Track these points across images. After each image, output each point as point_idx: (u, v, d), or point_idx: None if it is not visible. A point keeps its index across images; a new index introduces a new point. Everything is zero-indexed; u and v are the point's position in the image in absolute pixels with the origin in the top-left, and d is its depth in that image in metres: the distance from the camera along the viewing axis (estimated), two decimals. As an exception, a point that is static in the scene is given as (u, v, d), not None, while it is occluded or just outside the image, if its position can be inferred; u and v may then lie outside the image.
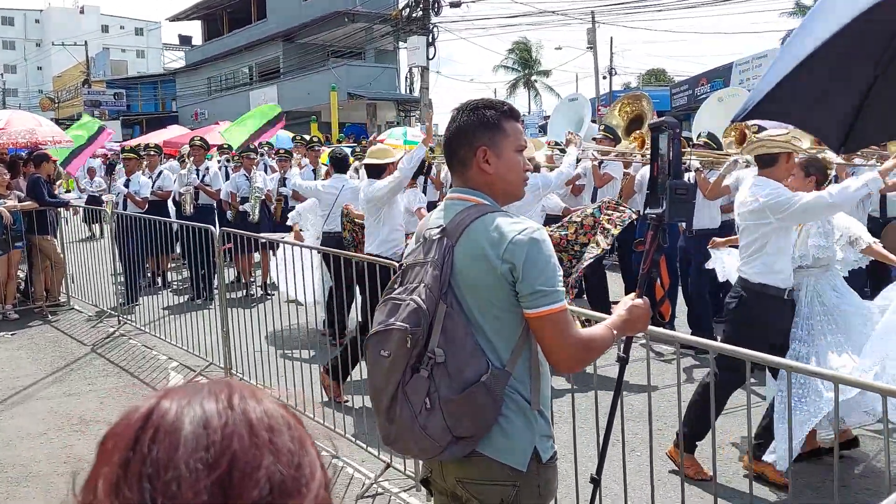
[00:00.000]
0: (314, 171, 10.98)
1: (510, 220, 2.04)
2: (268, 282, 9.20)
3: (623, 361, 2.69)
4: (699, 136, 7.42)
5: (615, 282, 8.18)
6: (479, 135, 2.12)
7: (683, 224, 6.34)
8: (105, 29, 73.62)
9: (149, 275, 9.89)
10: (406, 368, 2.02)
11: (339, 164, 7.52)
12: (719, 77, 23.30)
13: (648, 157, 7.97)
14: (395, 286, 2.15)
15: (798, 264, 4.34)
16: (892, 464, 2.69)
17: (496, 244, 2.00)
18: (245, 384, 0.72)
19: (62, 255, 9.22)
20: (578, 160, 8.07)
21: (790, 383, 2.70)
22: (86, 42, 47.30)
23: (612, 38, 72.13)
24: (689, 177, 6.23)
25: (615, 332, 2.17)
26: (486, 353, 2.03)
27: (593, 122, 11.20)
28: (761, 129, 6.91)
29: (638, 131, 8.30)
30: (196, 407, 0.66)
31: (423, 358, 2.02)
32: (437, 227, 2.13)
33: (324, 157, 11.09)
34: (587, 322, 3.62)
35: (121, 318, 8.07)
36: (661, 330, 3.07)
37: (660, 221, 2.35)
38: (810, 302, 4.29)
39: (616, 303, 8.13)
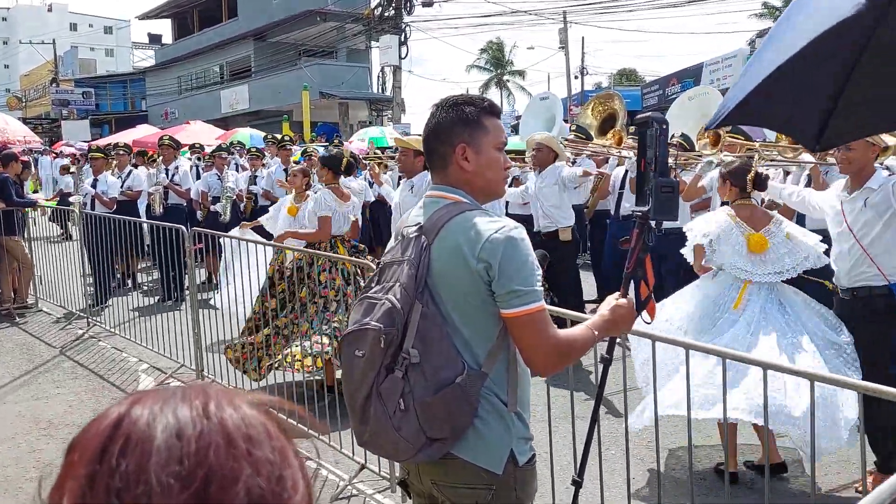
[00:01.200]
0: (285, 170, 10.91)
1: (488, 218, 2.01)
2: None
3: (606, 362, 2.64)
4: (672, 136, 7.46)
5: (586, 280, 8.20)
6: (458, 131, 2.09)
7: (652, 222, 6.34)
8: (73, 27, 72.47)
9: (118, 276, 9.75)
10: (380, 369, 1.99)
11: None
12: (690, 77, 23.47)
13: (623, 154, 7.94)
14: (373, 284, 2.12)
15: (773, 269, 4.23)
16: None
17: (472, 243, 1.96)
18: (223, 389, 0.68)
19: (30, 256, 9.06)
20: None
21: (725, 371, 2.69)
22: (54, 40, 46.48)
23: (583, 38, 72.65)
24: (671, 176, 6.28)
25: (596, 332, 2.12)
26: (461, 353, 1.99)
27: (565, 121, 11.23)
28: (736, 130, 6.97)
29: (614, 129, 8.34)
30: (169, 415, 0.61)
31: (397, 358, 1.98)
32: (415, 225, 2.10)
33: (296, 157, 11.03)
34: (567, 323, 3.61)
35: (90, 319, 7.94)
36: (638, 329, 3.06)
37: (645, 219, 2.32)
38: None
39: (591, 301, 8.07)
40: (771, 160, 6.41)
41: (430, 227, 2.05)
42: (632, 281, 2.37)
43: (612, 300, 2.25)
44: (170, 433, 0.60)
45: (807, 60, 1.95)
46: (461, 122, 2.09)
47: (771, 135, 7.71)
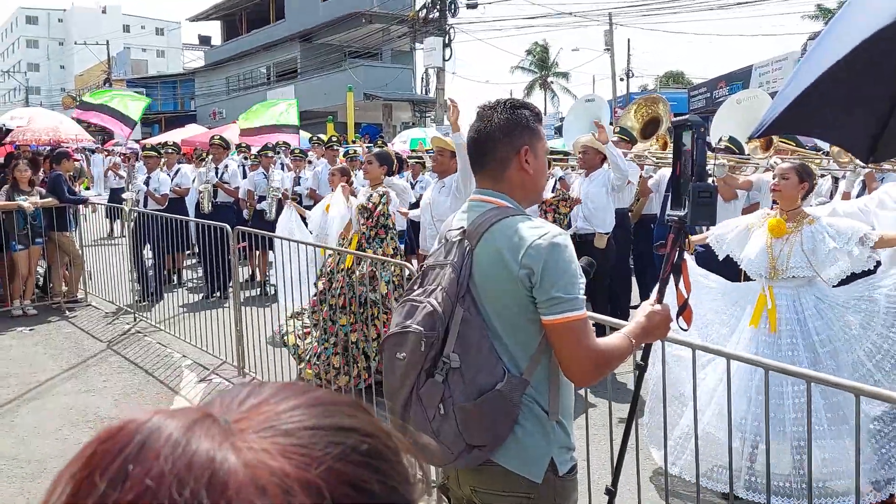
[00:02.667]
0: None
1: (531, 223, 1.99)
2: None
3: (641, 369, 2.60)
4: (720, 139, 7.36)
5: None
6: (520, 134, 2.08)
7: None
8: (126, 28, 74.29)
9: (164, 273, 9.94)
10: (421, 372, 1.98)
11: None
12: (738, 80, 23.09)
13: (658, 158, 7.82)
14: (416, 287, 2.11)
15: (791, 274, 4.03)
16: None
17: (515, 248, 1.94)
18: (265, 441, 0.52)
19: (81, 252, 9.29)
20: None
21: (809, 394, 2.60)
22: (107, 41, 47.71)
23: (629, 39, 72.00)
24: (710, 181, 6.22)
25: (633, 340, 2.08)
26: (503, 359, 1.97)
27: (610, 124, 11.12)
28: (789, 136, 6.85)
29: (658, 133, 8.25)
30: (161, 440, 0.50)
31: (438, 362, 1.97)
32: (459, 229, 2.09)
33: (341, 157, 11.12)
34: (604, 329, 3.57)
35: (136, 315, 8.11)
36: (675, 336, 3.01)
37: (681, 224, 2.27)
38: (812, 316, 3.98)
39: (636, 307, 7.96)
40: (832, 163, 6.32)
41: (473, 231, 2.04)
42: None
43: (648, 306, 2.20)
44: (143, 458, 0.49)
45: (858, 66, 1.89)
46: (522, 125, 2.09)
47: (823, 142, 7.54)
